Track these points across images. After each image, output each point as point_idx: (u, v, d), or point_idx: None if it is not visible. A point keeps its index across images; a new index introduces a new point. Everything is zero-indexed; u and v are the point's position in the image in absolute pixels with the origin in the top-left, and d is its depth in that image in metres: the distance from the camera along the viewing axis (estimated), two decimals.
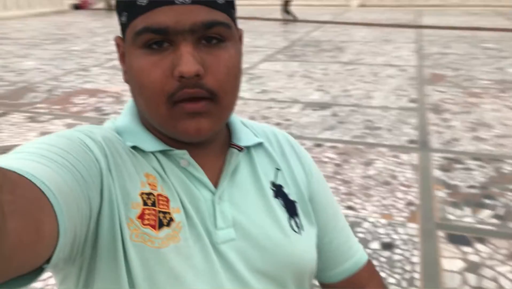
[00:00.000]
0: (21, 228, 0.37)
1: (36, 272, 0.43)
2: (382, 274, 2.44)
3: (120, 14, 0.60)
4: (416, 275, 2.43)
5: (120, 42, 0.63)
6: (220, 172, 0.66)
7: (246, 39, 10.71)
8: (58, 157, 0.50)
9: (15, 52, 9.17)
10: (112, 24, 14.43)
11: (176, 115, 0.57)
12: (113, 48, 10.05)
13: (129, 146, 0.61)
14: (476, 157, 3.95)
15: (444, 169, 3.71)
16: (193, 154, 0.63)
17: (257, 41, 10.38)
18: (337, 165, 3.79)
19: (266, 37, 10.95)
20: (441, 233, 2.81)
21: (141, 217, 0.57)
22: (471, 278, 2.40)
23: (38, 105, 5.53)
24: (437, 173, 3.63)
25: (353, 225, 2.91)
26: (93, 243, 0.55)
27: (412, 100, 5.63)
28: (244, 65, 7.93)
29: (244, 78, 6.72)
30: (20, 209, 0.38)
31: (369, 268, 0.81)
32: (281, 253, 0.64)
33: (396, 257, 2.60)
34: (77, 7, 19.18)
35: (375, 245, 2.71)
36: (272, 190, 0.69)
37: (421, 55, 8.54)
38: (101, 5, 19.61)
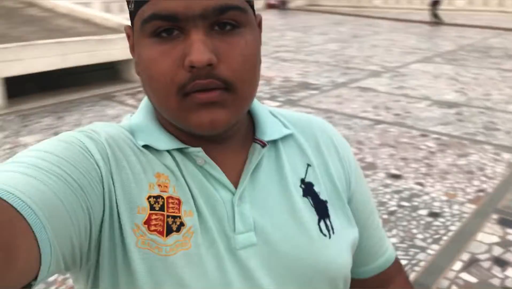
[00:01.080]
0: None
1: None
2: (414, 232, 2.85)
3: (128, 2, 0.57)
4: (445, 238, 2.77)
5: (130, 32, 0.60)
6: (242, 170, 0.62)
7: (412, 41, 10.81)
8: (51, 166, 0.49)
9: None
10: (292, 22, 15.79)
11: (187, 107, 0.54)
12: (283, 42, 11.33)
13: (140, 144, 0.59)
14: None
15: None
16: (211, 151, 0.60)
17: (422, 43, 10.41)
18: (431, 152, 4.09)
19: (433, 41, 10.86)
20: (494, 216, 3.02)
21: (147, 222, 0.54)
22: (497, 249, 2.65)
23: None
24: None
25: (412, 196, 3.30)
26: (97, 250, 0.54)
27: None
28: (395, 64, 8.31)
29: (387, 75, 7.10)
30: None
31: (396, 265, 0.80)
32: (306, 259, 0.60)
33: (436, 223, 2.94)
34: (270, 6, 21.31)
35: (423, 212, 3.08)
36: (301, 188, 0.64)
37: None
38: (298, 3, 21.49)
